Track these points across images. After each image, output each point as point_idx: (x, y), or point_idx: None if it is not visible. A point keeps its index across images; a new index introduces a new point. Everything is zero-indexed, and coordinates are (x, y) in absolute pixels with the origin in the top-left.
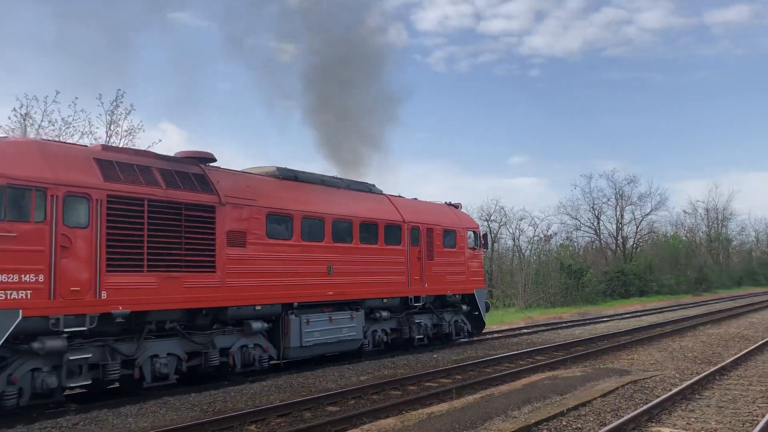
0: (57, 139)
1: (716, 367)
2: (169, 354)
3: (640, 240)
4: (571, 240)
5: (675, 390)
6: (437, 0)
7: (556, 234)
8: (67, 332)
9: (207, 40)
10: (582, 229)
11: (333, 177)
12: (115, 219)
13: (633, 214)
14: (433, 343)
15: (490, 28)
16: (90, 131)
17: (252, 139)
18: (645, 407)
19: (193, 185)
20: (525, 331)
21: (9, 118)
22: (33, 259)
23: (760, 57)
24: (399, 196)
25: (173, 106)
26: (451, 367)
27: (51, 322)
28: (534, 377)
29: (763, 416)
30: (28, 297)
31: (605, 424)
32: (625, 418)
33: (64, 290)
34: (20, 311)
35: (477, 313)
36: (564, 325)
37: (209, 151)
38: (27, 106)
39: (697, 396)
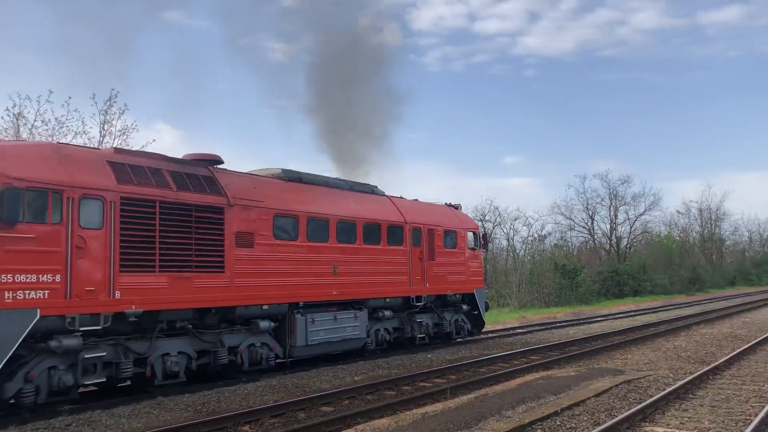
0: (51, 139)
1: (709, 367)
2: (179, 352)
3: (634, 240)
4: (565, 240)
5: (669, 390)
6: (432, 0)
7: (550, 234)
8: (82, 331)
9: (205, 40)
10: (576, 229)
11: (336, 178)
12: (128, 220)
13: (627, 214)
14: (434, 342)
15: (485, 28)
16: (84, 131)
17: (248, 139)
18: (639, 407)
19: (203, 187)
20: (519, 330)
21: (2, 117)
22: (50, 260)
23: (754, 58)
24: (400, 197)
25: (172, 107)
26: (445, 367)
27: (67, 321)
28: (528, 377)
29: (756, 415)
30: (46, 297)
31: (599, 424)
32: (619, 417)
33: (79, 290)
34: (38, 311)
35: (477, 312)
36: (558, 324)
37: (216, 153)
38: (20, 106)
39: (691, 395)
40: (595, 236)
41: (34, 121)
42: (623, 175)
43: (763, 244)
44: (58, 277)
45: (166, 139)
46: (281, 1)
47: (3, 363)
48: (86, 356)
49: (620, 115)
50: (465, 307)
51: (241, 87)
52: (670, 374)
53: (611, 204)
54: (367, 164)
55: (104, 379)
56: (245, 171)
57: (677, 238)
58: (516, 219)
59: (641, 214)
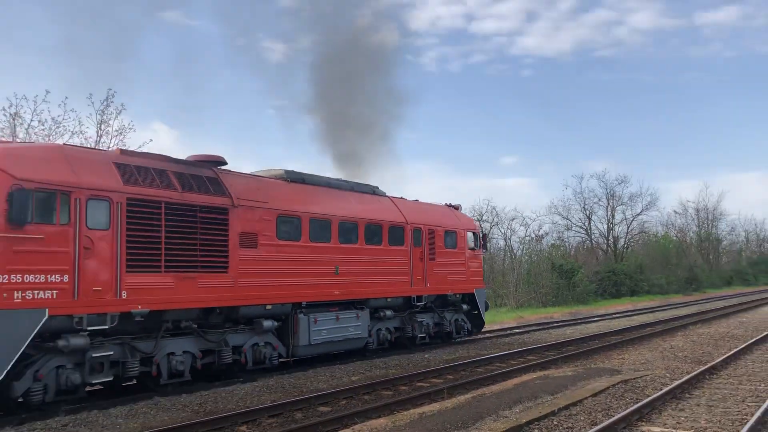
0: (48, 140)
1: (706, 367)
2: (184, 352)
3: (631, 240)
4: (563, 240)
5: (665, 389)
6: (429, 0)
7: (547, 234)
8: (89, 330)
9: (205, 40)
10: (573, 229)
11: (338, 179)
12: (134, 221)
13: (624, 214)
14: (434, 342)
15: (482, 28)
16: (80, 131)
17: (248, 139)
18: (636, 406)
19: (207, 188)
20: (516, 330)
21: None
22: (58, 260)
23: (751, 58)
24: (401, 198)
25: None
26: (442, 367)
27: (75, 321)
28: (525, 377)
29: (752, 415)
30: (54, 297)
31: (596, 424)
32: (616, 417)
33: (87, 290)
34: (46, 310)
35: (477, 312)
36: (555, 324)
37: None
38: (16, 106)
39: (688, 395)
40: (592, 236)
41: (31, 120)
42: (620, 175)
43: (759, 244)
44: (66, 278)
45: (163, 139)
46: (280, 1)
47: (13, 362)
48: (93, 355)
49: (617, 115)
50: (465, 306)
51: (241, 87)
52: (667, 374)
53: (608, 204)
54: (368, 165)
55: (111, 378)
56: (246, 171)
57: (674, 238)
58: (513, 219)
59: (638, 214)
